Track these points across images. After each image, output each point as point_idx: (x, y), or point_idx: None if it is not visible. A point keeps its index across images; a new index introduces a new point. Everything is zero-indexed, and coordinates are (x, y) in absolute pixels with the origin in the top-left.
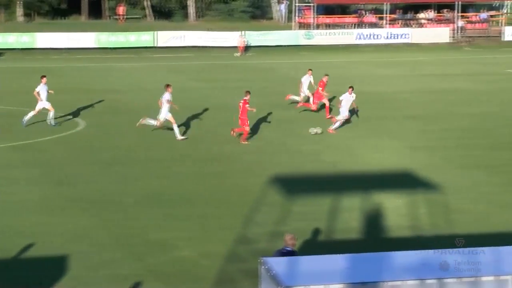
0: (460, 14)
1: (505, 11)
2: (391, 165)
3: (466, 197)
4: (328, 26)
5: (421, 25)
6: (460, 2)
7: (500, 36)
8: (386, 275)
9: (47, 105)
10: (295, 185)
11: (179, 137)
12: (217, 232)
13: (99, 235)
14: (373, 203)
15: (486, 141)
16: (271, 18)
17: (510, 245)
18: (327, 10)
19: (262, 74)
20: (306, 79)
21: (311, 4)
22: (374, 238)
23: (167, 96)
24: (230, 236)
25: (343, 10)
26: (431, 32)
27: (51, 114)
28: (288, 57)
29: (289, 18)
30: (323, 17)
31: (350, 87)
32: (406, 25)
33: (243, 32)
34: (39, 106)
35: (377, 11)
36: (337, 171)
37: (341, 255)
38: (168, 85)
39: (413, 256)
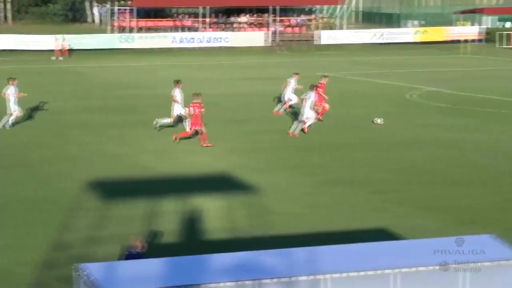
0: (276, 18)
1: (320, 16)
2: (209, 167)
3: (282, 198)
4: (147, 29)
5: (238, 29)
6: (276, 7)
7: (315, 40)
8: (204, 277)
9: (17, 108)
10: (112, 189)
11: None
12: (31, 239)
13: None
14: (192, 205)
15: (302, 143)
16: (89, 22)
17: (323, 244)
18: (146, 13)
19: (78, 78)
20: (294, 83)
21: (130, 8)
22: (192, 241)
23: (177, 92)
24: (45, 243)
25: (162, 13)
26: (248, 36)
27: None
28: (105, 61)
29: (107, 22)
30: (142, 20)
31: (314, 85)
32: (224, 29)
33: (60, 35)
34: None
35: (196, 15)
36: (155, 174)
37: (159, 258)
38: (177, 81)
39: (230, 258)
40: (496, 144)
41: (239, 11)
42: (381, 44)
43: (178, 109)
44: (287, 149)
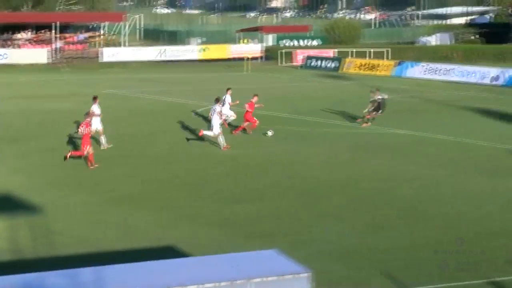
0: (58, 35)
1: (102, 33)
2: None
3: (66, 218)
4: None
5: (19, 46)
6: (58, 23)
7: (98, 57)
8: None
9: None
10: None
11: (105, 146)
12: None
13: None
14: None
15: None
16: None
17: (110, 264)
18: None
19: None
20: (229, 99)
21: None
22: None
23: (95, 108)
24: None
25: None
26: (30, 53)
27: None
28: None
29: None
30: None
31: (217, 98)
32: (4, 45)
33: None
34: None
35: None
36: None
37: None
38: (95, 97)
39: (14, 280)
40: (276, 158)
41: (20, 27)
42: (166, 61)
43: (97, 124)
44: (72, 167)
